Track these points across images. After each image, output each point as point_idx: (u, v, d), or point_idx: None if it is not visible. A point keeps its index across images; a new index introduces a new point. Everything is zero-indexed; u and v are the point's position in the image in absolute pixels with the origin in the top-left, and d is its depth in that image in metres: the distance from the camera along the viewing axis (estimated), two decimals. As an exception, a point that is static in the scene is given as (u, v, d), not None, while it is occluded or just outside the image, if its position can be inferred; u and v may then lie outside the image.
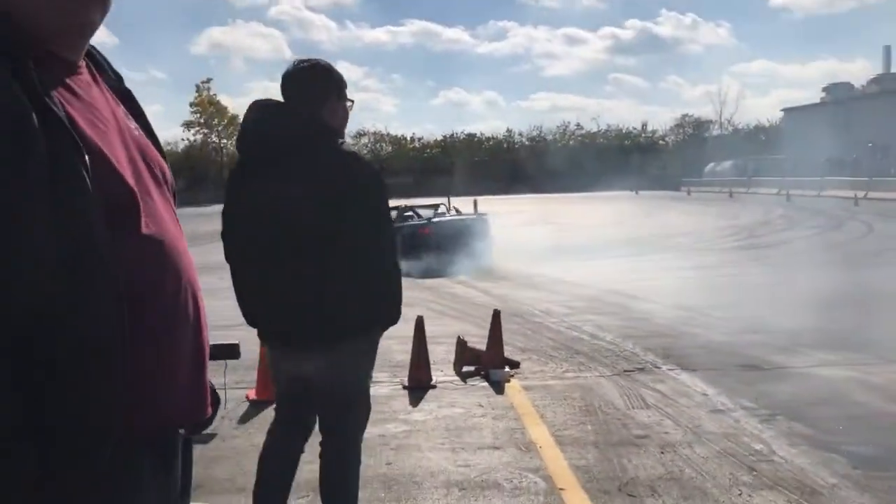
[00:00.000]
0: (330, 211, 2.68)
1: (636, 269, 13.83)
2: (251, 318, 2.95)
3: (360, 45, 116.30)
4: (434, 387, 5.88)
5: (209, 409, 1.91)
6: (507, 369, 6.15)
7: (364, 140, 69.31)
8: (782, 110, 63.68)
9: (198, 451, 4.35)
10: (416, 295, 11.35)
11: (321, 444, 3.02)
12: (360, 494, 3.22)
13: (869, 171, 39.33)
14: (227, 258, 2.93)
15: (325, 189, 2.70)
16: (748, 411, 5.07)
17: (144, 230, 1.62)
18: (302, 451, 3.14)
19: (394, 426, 4.94)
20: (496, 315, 6.28)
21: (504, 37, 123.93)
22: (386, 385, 6.00)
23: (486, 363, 6.17)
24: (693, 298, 10.01)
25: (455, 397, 5.61)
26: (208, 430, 4.93)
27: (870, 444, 4.40)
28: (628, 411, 5.14)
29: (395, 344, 7.46)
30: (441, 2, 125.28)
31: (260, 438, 4.72)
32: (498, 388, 5.84)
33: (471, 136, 69.90)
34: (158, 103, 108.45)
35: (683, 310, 9.29)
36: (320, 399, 2.97)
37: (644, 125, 70.36)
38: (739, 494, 3.71)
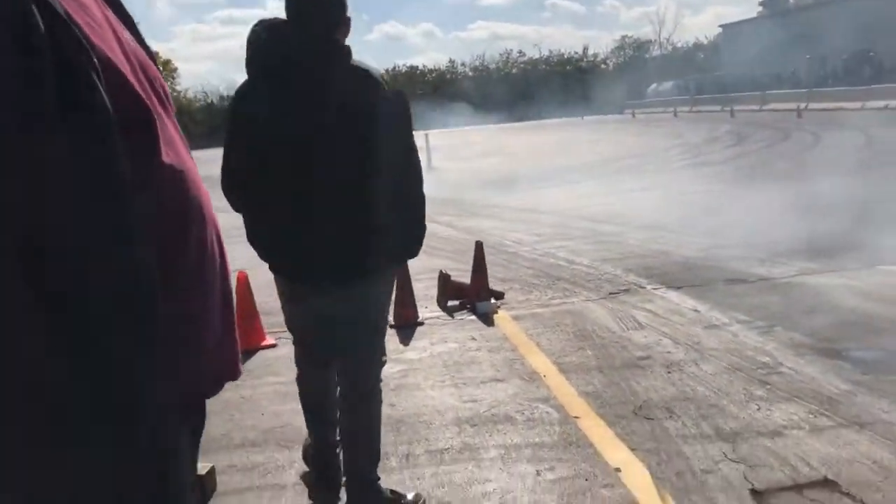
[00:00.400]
0: (367, 136, 2.52)
1: (595, 194, 13.77)
2: (277, 256, 2.76)
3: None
4: (422, 324, 5.69)
5: (240, 366, 1.68)
6: (492, 301, 6.00)
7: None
8: (720, 27, 63.91)
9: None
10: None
11: (343, 384, 2.97)
12: (367, 439, 3.13)
13: (808, 82, 39.89)
14: (239, 193, 2.71)
15: (360, 113, 2.53)
16: (744, 324, 5.03)
17: (165, 159, 1.34)
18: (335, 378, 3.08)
19: (388, 367, 4.72)
20: (479, 246, 6.09)
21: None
22: (370, 325, 5.81)
23: (472, 296, 6.00)
24: (658, 218, 9.98)
25: (445, 332, 5.44)
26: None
27: (872, 348, 4.39)
28: (624, 333, 5.05)
29: (371, 283, 7.26)
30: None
31: (250, 391, 4.52)
32: (487, 320, 5.69)
33: (413, 68, 68.68)
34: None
35: (651, 230, 9.25)
36: (350, 333, 2.84)
37: (585, 49, 70.10)
38: (758, 409, 3.64)
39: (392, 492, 3.05)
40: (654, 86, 54.48)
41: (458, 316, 5.89)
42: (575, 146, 26.81)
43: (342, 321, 2.78)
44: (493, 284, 6.36)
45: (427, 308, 6.18)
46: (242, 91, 2.68)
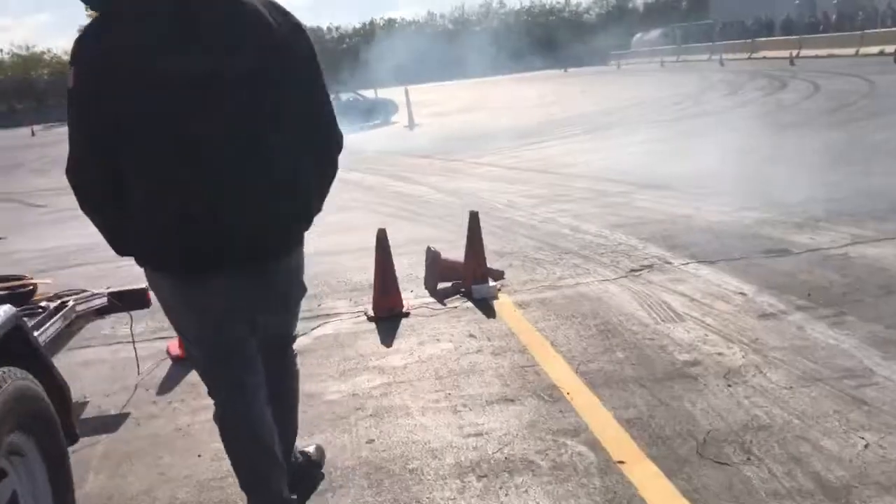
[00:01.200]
0: (273, 78, 2.12)
1: (591, 149, 12.72)
2: (167, 247, 2.15)
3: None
4: (407, 315, 4.69)
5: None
6: (491, 282, 5.00)
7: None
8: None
9: (103, 446, 3.21)
10: (356, 196, 10.07)
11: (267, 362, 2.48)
12: (341, 494, 2.65)
13: (799, 29, 38.71)
14: (100, 173, 2.13)
15: (261, 52, 2.10)
16: (807, 312, 4.06)
17: None
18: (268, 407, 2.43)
19: (367, 378, 3.75)
20: (474, 218, 5.05)
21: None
22: (346, 317, 4.79)
23: (467, 277, 5.00)
24: (665, 174, 8.98)
25: (437, 327, 4.44)
26: (113, 411, 3.69)
27: (983, 344, 3.45)
28: (658, 326, 4.08)
29: (347, 260, 6.26)
30: None
31: (187, 417, 3.53)
32: (486, 307, 4.70)
33: (391, 21, 66.61)
34: (46, 12, 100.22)
35: (661, 189, 8.26)
36: (282, 315, 2.56)
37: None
38: (865, 445, 2.69)
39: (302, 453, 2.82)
40: (638, 35, 52.95)
41: (450, 303, 4.89)
42: (563, 99, 25.64)
43: (271, 303, 2.42)
44: (490, 260, 5.34)
45: (413, 292, 5.18)
46: (94, 30, 2.08)
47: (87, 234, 9.51)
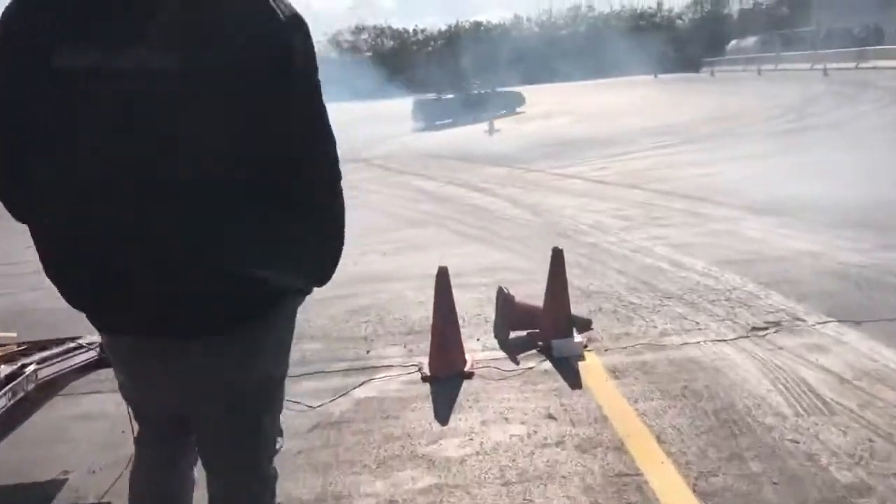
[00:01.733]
0: (241, 88, 1.36)
1: (688, 163, 11.56)
2: (91, 296, 1.60)
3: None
4: (470, 376, 3.79)
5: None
6: (576, 337, 4.06)
7: (364, 36, 65.59)
8: (810, -22, 58.91)
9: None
10: (428, 209, 9.26)
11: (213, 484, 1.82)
12: None
13: (913, 38, 36.01)
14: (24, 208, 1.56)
15: (234, 61, 1.36)
16: None
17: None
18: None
19: (411, 476, 2.87)
20: (558, 257, 4.10)
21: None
22: (397, 373, 3.93)
23: (546, 329, 4.07)
24: (776, 196, 7.85)
25: (507, 398, 3.53)
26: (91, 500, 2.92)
27: None
28: (801, 420, 3.07)
29: (410, 289, 5.42)
30: None
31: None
32: (569, 372, 3.76)
33: (477, 24, 65.90)
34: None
35: (773, 214, 7.14)
36: (220, 417, 1.71)
37: (659, 3, 65.96)
38: None
39: None
40: (734, 42, 50.57)
41: (524, 361, 3.96)
42: (654, 107, 24.28)
43: (214, 392, 1.67)
44: (574, 300, 4.39)
45: (479, 341, 4.28)
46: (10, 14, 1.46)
47: None
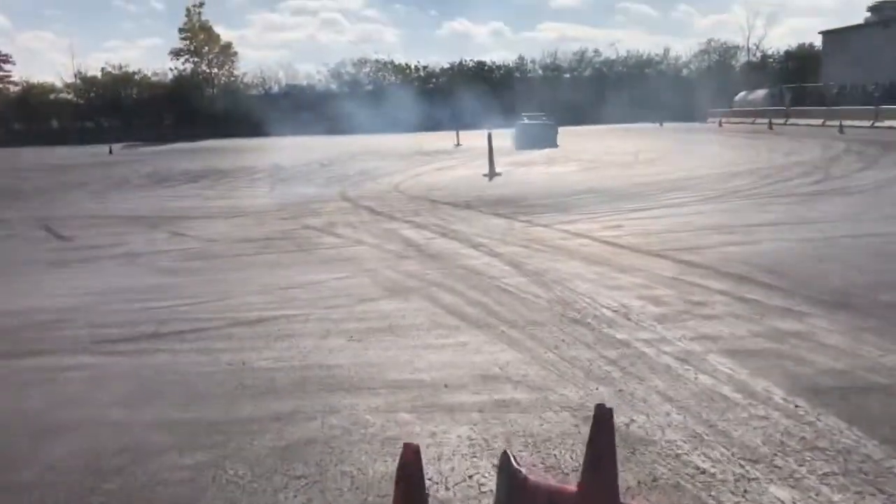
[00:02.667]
0: None
1: (713, 226, 10.10)
2: None
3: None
4: None
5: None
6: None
7: (366, 69, 64.80)
8: (821, 33, 58.34)
9: None
10: (415, 270, 7.73)
11: None
12: None
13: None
14: None
15: None
16: None
17: None
18: None
19: None
20: (603, 424, 2.53)
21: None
22: None
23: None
24: (842, 282, 6.37)
25: None
26: None
27: None
28: None
29: (372, 412, 3.86)
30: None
31: None
32: None
33: (480, 63, 65.13)
34: (157, 36, 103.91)
35: (849, 310, 5.62)
36: None
37: (666, 51, 65.35)
38: None
39: None
40: (742, 94, 49.77)
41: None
42: (664, 157, 22.98)
43: None
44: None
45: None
46: None
47: (85, 289, 7.62)
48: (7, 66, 64.76)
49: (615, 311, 5.78)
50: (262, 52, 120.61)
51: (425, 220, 11.93)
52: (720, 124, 42.12)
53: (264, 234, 11.37)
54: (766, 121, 38.29)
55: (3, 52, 64.84)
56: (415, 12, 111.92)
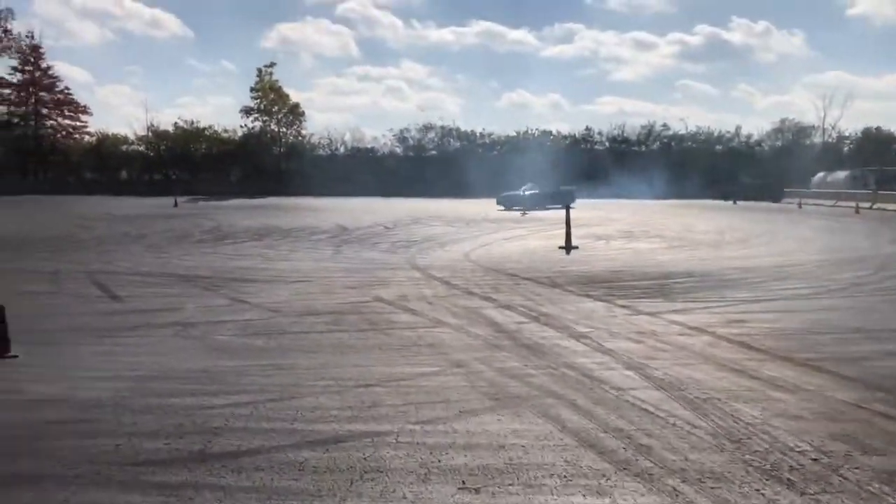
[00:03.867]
0: None
1: (857, 330, 8.54)
2: None
3: (425, 44, 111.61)
4: None
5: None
6: None
7: (431, 135, 64.71)
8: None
9: None
10: (515, 368, 6.34)
11: None
12: None
13: None
14: None
15: None
16: None
17: None
18: None
19: None
20: None
21: (570, 39, 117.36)
22: None
23: None
24: None
25: None
26: None
27: None
28: None
29: None
30: (507, 3, 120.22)
31: None
32: None
33: (546, 132, 64.47)
34: (228, 95, 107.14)
35: None
36: None
37: (738, 129, 63.61)
38: None
39: None
40: (821, 175, 47.63)
41: None
42: (752, 237, 21.32)
43: None
44: None
45: None
46: None
47: (128, 370, 6.45)
48: (84, 117, 66.64)
49: (815, 459, 4.30)
50: (326, 114, 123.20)
51: (508, 299, 10.62)
52: (799, 205, 40.10)
53: (332, 306, 10.20)
54: (850, 204, 36.23)
55: (81, 104, 66.78)
56: (476, 83, 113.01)
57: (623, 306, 10.09)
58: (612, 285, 12.09)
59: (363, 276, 13.57)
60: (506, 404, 5.38)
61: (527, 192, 38.98)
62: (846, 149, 58.86)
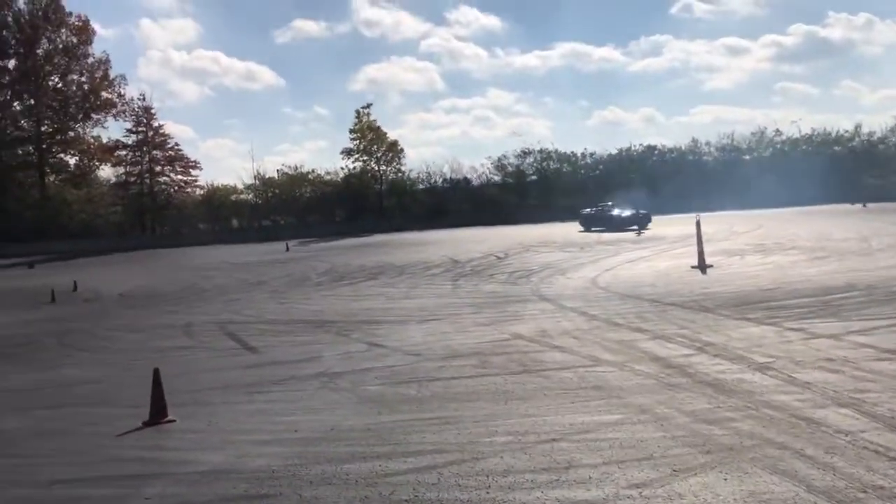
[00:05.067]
0: None
1: None
2: None
3: (510, 70, 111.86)
4: None
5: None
6: None
7: (530, 159, 64.06)
8: None
9: None
10: (703, 409, 5.59)
11: None
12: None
13: None
14: None
15: None
16: None
17: None
18: None
19: None
20: None
21: (659, 52, 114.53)
22: None
23: None
24: None
25: None
26: None
27: None
28: None
29: None
30: (590, 22, 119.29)
31: None
32: None
33: (650, 147, 62.58)
34: (323, 139, 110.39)
35: None
36: None
37: (857, 127, 59.90)
38: None
39: None
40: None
41: None
42: (902, 242, 19.55)
43: None
44: None
45: None
46: None
47: (289, 431, 6.09)
48: (195, 172, 69.61)
49: None
50: (417, 149, 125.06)
51: (660, 329, 9.81)
52: (940, 203, 37.08)
53: (471, 345, 9.66)
54: None
55: (192, 159, 69.80)
56: (565, 104, 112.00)
57: (794, 329, 9.12)
58: (768, 306, 11.09)
59: (492, 311, 13.00)
60: (722, 459, 4.64)
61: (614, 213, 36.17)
62: None
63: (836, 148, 57.98)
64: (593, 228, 35.43)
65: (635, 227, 33.38)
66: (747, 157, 58.99)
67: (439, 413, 6.35)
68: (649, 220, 34.43)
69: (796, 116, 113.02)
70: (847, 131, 59.63)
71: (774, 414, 5.57)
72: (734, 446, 4.87)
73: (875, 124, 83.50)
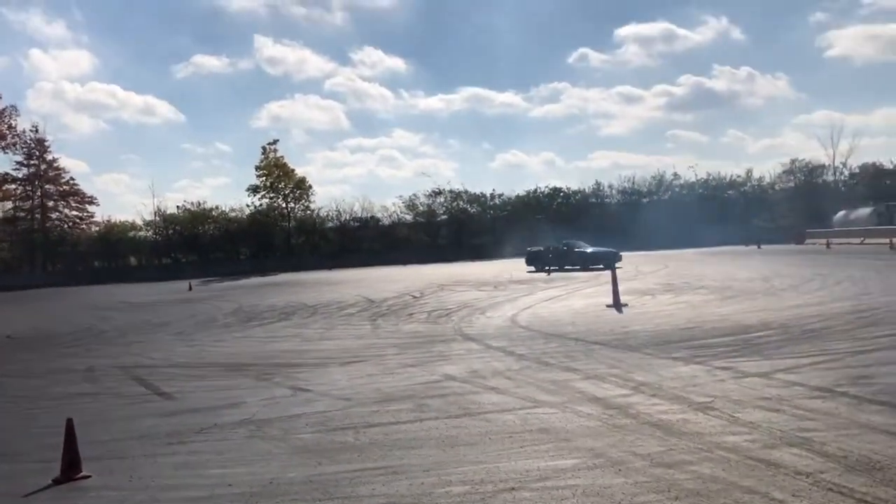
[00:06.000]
0: None
1: None
2: None
3: (415, 112, 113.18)
4: None
5: None
6: None
7: (440, 199, 64.46)
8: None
9: None
10: (658, 451, 5.47)
11: None
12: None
13: None
14: None
15: None
16: None
17: None
18: None
19: None
20: None
21: (557, 99, 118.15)
22: None
23: None
24: None
25: None
26: None
27: None
28: None
29: None
30: (491, 69, 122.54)
31: None
32: None
33: (556, 189, 64.14)
34: (225, 175, 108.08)
35: None
36: None
37: (749, 172, 63.38)
38: None
39: None
40: (842, 213, 47.04)
41: None
42: (802, 283, 20.43)
43: None
44: None
45: None
46: None
47: (230, 492, 5.42)
48: (91, 207, 66.62)
49: None
50: (324, 187, 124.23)
51: (591, 368, 9.76)
52: (828, 245, 39.35)
53: (403, 388, 9.32)
54: (879, 240, 35.51)
55: (88, 194, 66.84)
56: (468, 146, 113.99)
57: (723, 368, 9.22)
58: (691, 344, 11.24)
59: (417, 351, 12.69)
60: (693, 505, 4.49)
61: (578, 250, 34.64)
62: (859, 185, 58.33)
63: (730, 192, 61.08)
64: (548, 267, 33.97)
65: (600, 265, 31.78)
66: (646, 199, 61.34)
67: (384, 462, 5.98)
68: (618, 258, 32.44)
69: (688, 163, 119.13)
70: (739, 176, 63.01)
71: (730, 456, 5.50)
72: (701, 491, 4.74)
73: (764, 171, 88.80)
